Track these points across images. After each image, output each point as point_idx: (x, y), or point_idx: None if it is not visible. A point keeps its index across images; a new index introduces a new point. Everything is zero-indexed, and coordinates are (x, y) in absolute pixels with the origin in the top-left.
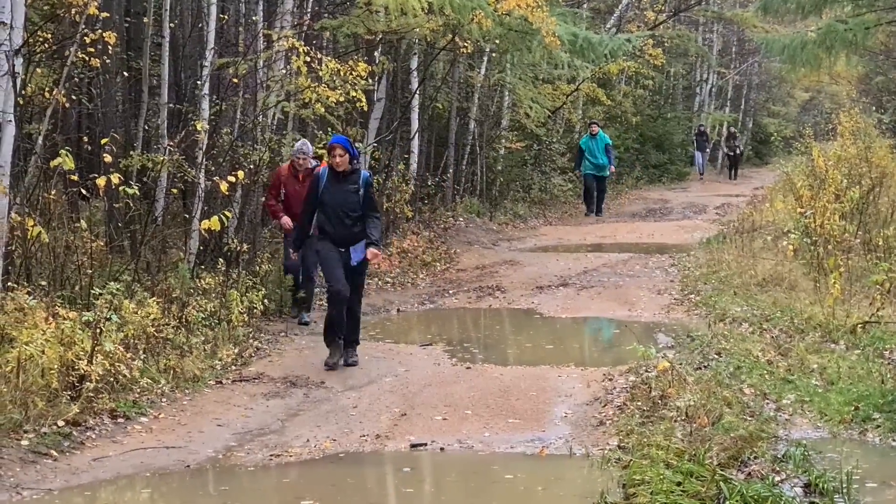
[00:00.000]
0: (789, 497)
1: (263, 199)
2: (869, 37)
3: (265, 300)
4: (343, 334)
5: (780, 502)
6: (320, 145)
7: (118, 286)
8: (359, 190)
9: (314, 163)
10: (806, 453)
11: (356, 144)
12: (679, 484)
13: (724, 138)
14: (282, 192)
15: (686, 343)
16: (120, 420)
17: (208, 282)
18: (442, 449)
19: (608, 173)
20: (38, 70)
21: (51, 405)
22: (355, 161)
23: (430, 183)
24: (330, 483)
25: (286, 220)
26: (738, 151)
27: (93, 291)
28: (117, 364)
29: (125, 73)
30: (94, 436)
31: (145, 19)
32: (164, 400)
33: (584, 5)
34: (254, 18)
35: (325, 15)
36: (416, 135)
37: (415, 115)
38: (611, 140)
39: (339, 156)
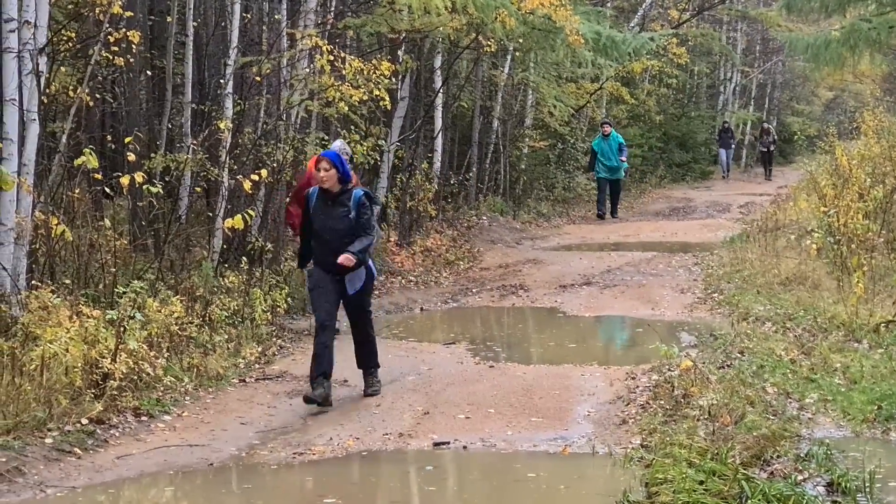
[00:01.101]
0: (812, 496)
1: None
2: (893, 35)
3: (288, 299)
4: (326, 370)
5: (802, 501)
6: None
7: (142, 284)
8: (349, 213)
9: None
10: (829, 452)
11: (379, 142)
12: (702, 483)
13: (757, 134)
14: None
15: (709, 342)
16: (143, 418)
17: (232, 280)
18: (465, 447)
19: (623, 175)
20: (63, 69)
21: (75, 403)
22: (348, 181)
23: (453, 181)
24: (353, 481)
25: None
26: (772, 148)
27: (116, 290)
28: (141, 362)
29: (149, 72)
30: (117, 434)
31: (169, 18)
32: (187, 398)
33: (608, 4)
34: (277, 17)
35: (349, 14)
36: (440, 133)
37: (438, 114)
38: (624, 139)
39: (325, 170)
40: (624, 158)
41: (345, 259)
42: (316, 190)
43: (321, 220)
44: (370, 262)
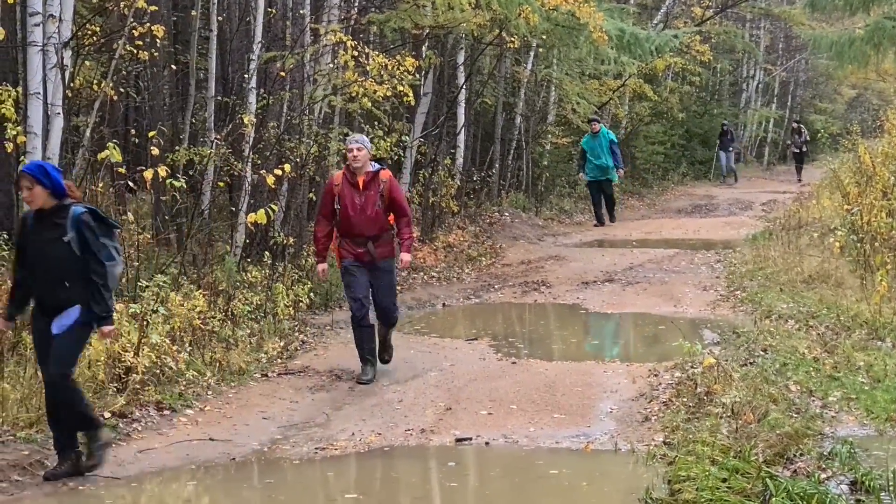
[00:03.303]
0: (835, 494)
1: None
2: None
3: (311, 294)
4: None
5: (825, 499)
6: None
7: (165, 279)
8: (63, 236)
9: (375, 166)
10: (852, 451)
11: (402, 138)
12: (724, 480)
13: (783, 133)
14: (337, 206)
15: (732, 339)
16: (166, 412)
17: (254, 275)
18: (487, 444)
19: (615, 177)
20: (87, 63)
21: (97, 397)
22: (61, 194)
23: (475, 178)
24: (374, 477)
25: (323, 269)
26: (804, 149)
27: (139, 284)
28: (163, 356)
29: (173, 67)
30: (140, 428)
31: (193, 13)
32: (209, 392)
33: (631, 0)
34: (301, 12)
35: (373, 9)
36: (463, 129)
37: (461, 110)
38: (615, 137)
39: (27, 189)
40: (622, 171)
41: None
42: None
43: (34, 248)
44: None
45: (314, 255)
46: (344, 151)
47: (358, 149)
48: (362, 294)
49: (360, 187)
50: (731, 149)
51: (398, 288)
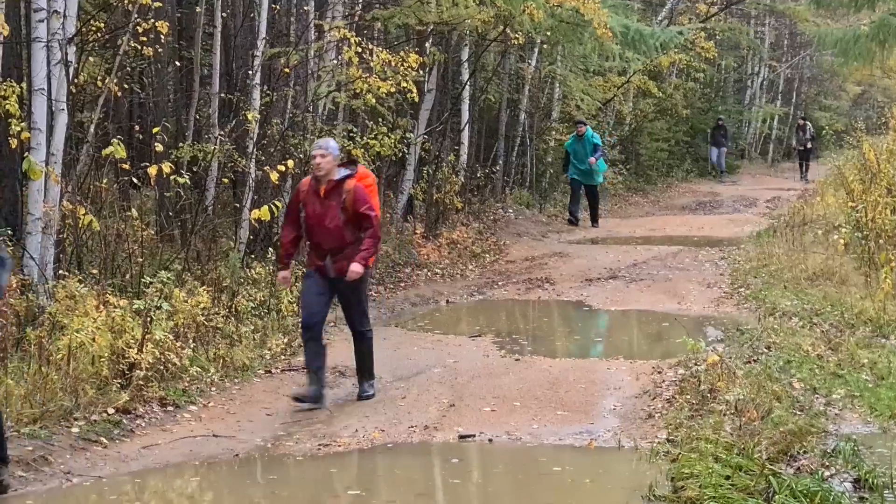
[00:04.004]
0: (839, 492)
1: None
2: None
3: None
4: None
5: (829, 497)
6: (372, 135)
7: (169, 275)
8: None
9: (342, 173)
10: (856, 448)
11: (406, 134)
12: (728, 478)
13: (787, 130)
14: (301, 214)
15: (736, 337)
16: (169, 408)
17: (258, 271)
18: (490, 440)
19: (599, 179)
20: (91, 59)
21: (101, 393)
22: None
23: (479, 174)
24: (378, 473)
25: (283, 276)
26: (808, 146)
27: (143, 280)
28: (167, 352)
29: (177, 63)
30: (143, 424)
31: (197, 9)
32: (213, 389)
33: None
34: (305, 8)
35: (377, 5)
36: (467, 126)
37: (465, 107)
38: (601, 140)
39: None
40: (594, 160)
41: None
42: None
43: None
44: None
45: (278, 261)
46: (347, 148)
47: (321, 155)
48: (312, 308)
49: (322, 196)
50: (723, 145)
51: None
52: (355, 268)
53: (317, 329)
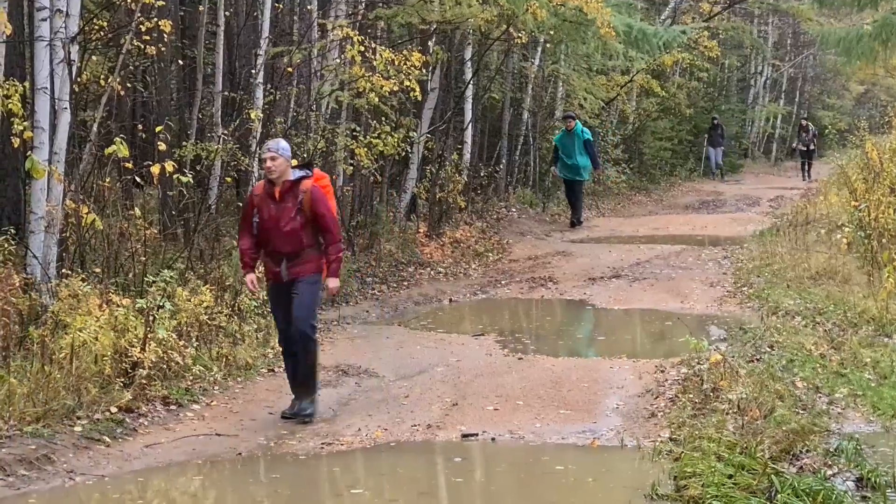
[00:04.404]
0: (841, 491)
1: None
2: None
3: None
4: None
5: (831, 496)
6: (375, 134)
7: (172, 274)
8: None
9: (297, 174)
10: (858, 447)
11: (410, 133)
12: (730, 476)
13: (790, 130)
14: (255, 219)
15: (738, 336)
16: (172, 407)
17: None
18: (493, 439)
19: (586, 176)
20: (94, 58)
21: (104, 392)
22: None
23: (483, 173)
24: (381, 472)
25: (250, 279)
26: (811, 147)
27: (146, 279)
28: (170, 351)
29: (180, 62)
30: (146, 423)
31: (200, 8)
32: (216, 388)
33: None
34: (308, 7)
35: (380, 4)
36: (470, 125)
37: (468, 106)
38: (591, 135)
39: None
40: (596, 167)
41: None
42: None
43: None
44: None
45: (242, 267)
46: (350, 147)
47: (272, 158)
48: (284, 325)
49: (277, 198)
50: (720, 144)
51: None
52: (332, 284)
53: (292, 344)
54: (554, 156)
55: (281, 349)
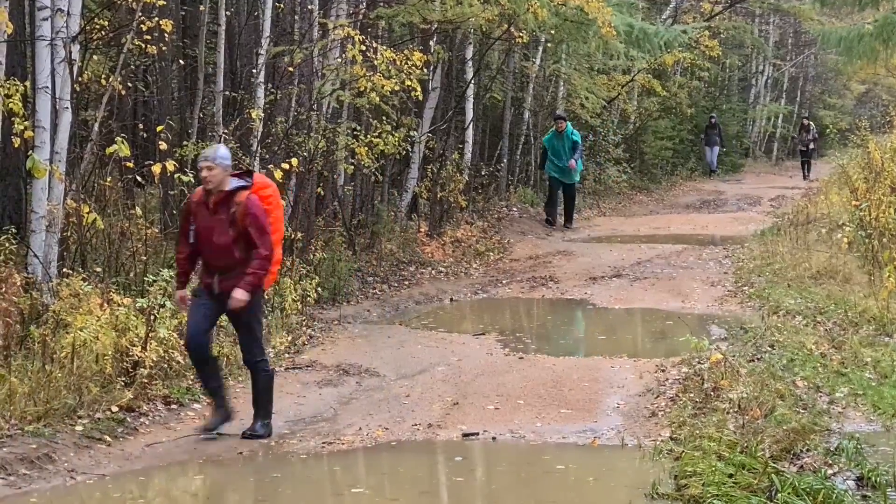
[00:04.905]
0: (841, 490)
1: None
2: None
3: (319, 288)
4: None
5: (832, 495)
6: (376, 134)
7: (172, 273)
8: None
9: (235, 184)
10: (859, 447)
11: (411, 133)
12: (731, 476)
13: (791, 129)
14: (191, 228)
15: (739, 335)
16: (173, 406)
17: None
18: (494, 438)
19: (576, 178)
20: (95, 57)
21: (105, 391)
22: None
23: (484, 172)
24: (382, 471)
25: (180, 296)
26: (811, 146)
27: (147, 278)
28: (171, 350)
29: (181, 61)
30: (147, 422)
31: (201, 7)
32: None
33: None
34: (309, 7)
35: (381, 4)
36: (471, 124)
37: (469, 105)
38: (580, 137)
39: None
40: (573, 164)
41: None
42: None
43: None
44: None
45: (175, 280)
46: (351, 146)
47: (208, 168)
48: (193, 330)
49: (211, 209)
50: (716, 143)
51: (406, 283)
52: (238, 295)
53: (202, 351)
54: (542, 157)
55: (190, 360)
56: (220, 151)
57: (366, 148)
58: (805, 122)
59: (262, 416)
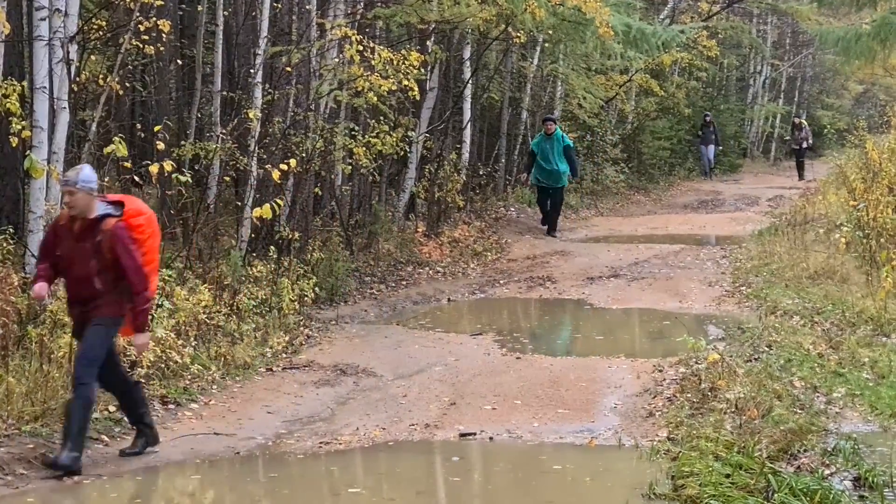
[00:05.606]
0: (839, 491)
1: None
2: None
3: (316, 288)
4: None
5: (829, 496)
6: (373, 134)
7: (170, 273)
8: None
9: (103, 210)
10: (856, 447)
11: (408, 133)
12: (728, 476)
13: (788, 129)
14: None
15: (737, 335)
16: (171, 406)
17: (259, 270)
18: (491, 439)
19: (565, 182)
20: (93, 57)
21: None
22: None
23: (481, 172)
24: (379, 471)
25: (39, 289)
26: (804, 145)
27: None
28: (168, 350)
29: (179, 61)
30: None
31: (199, 7)
32: (214, 387)
33: None
34: (307, 7)
35: (379, 4)
36: (469, 124)
37: (467, 105)
38: (572, 142)
39: None
40: (574, 176)
41: None
42: None
43: None
44: None
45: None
46: (348, 146)
47: (69, 193)
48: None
49: (75, 236)
50: (712, 142)
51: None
52: (141, 340)
53: (115, 386)
54: (529, 161)
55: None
56: (84, 174)
57: (363, 148)
58: (797, 120)
59: (70, 444)
